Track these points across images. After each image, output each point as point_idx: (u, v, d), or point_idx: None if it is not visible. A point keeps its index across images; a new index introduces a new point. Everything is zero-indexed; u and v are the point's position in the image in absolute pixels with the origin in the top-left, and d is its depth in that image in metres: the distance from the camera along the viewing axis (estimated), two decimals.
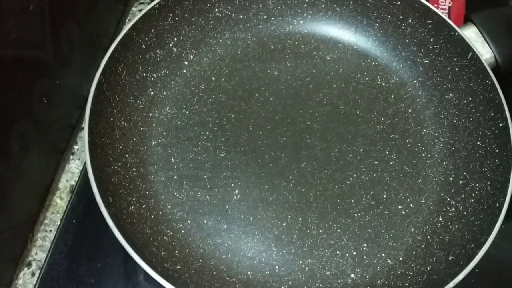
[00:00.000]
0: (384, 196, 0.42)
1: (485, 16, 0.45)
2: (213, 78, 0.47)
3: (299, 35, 0.50)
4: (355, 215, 0.41)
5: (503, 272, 0.42)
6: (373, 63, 0.49)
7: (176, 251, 0.38)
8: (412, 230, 0.41)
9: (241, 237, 0.40)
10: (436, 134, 0.45)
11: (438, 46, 0.46)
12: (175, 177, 0.42)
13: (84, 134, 0.37)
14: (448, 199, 0.42)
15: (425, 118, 0.46)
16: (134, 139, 0.43)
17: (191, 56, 0.48)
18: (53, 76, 0.40)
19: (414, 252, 0.40)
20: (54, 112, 0.42)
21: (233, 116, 0.45)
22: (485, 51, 0.44)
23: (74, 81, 0.44)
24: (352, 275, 0.39)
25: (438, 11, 0.45)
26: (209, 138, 0.44)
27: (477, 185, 0.40)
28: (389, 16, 0.48)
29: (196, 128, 0.44)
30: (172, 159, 0.43)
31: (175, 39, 0.47)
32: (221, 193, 0.42)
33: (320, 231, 0.40)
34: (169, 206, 0.41)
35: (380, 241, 0.40)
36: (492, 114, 0.41)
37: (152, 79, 0.45)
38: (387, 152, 0.44)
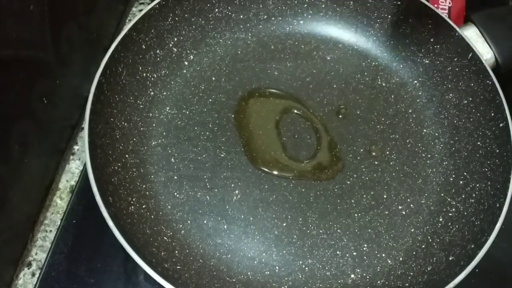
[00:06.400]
0: (384, 196, 0.42)
1: (485, 16, 0.45)
2: (213, 78, 0.47)
3: (299, 35, 0.50)
4: (355, 215, 0.41)
5: (503, 272, 0.42)
6: (373, 63, 0.49)
7: (176, 252, 0.38)
8: (412, 230, 0.41)
9: (241, 237, 0.40)
10: (437, 134, 0.45)
11: (438, 46, 0.46)
12: (175, 177, 0.42)
13: (84, 134, 0.37)
14: (449, 199, 0.42)
15: (425, 118, 0.46)
16: (134, 139, 0.43)
17: (191, 56, 0.48)
18: (53, 76, 0.40)
19: (414, 253, 0.40)
20: (54, 112, 0.42)
21: (233, 116, 0.45)
22: (485, 51, 0.44)
23: (74, 81, 0.44)
24: (352, 276, 0.39)
25: (438, 11, 0.45)
26: (209, 138, 0.44)
27: (478, 185, 0.40)
28: (389, 16, 0.48)
29: (196, 128, 0.44)
30: (172, 159, 0.43)
31: (175, 39, 0.46)
32: (221, 193, 0.42)
33: (320, 231, 0.40)
34: (169, 206, 0.41)
35: (380, 242, 0.40)
36: (493, 114, 0.41)
37: (152, 79, 0.45)
38: (387, 152, 0.44)
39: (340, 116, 0.46)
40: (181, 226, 0.40)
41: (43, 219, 0.43)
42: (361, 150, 0.44)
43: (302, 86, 0.47)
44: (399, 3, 0.47)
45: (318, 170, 0.43)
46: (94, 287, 0.39)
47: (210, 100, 0.46)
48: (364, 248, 0.40)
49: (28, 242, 0.41)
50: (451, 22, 0.45)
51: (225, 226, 0.40)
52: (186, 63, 0.47)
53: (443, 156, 0.44)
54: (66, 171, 0.45)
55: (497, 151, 0.40)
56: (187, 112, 0.45)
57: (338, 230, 0.41)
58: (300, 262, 0.39)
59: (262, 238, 0.40)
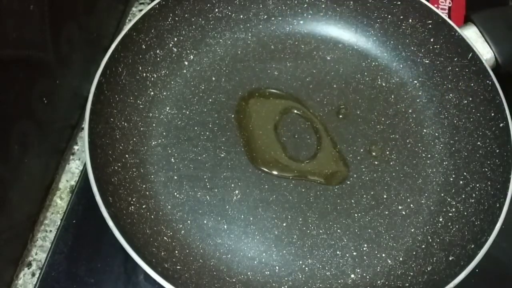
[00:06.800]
0: (384, 196, 0.42)
1: (485, 16, 0.45)
2: (213, 78, 0.47)
3: (299, 35, 0.50)
4: (355, 215, 0.41)
5: (503, 272, 0.42)
6: (373, 63, 0.49)
7: (176, 252, 0.38)
8: (412, 230, 0.41)
9: (241, 237, 0.40)
10: (437, 134, 0.45)
11: (438, 46, 0.46)
12: (175, 177, 0.42)
13: (84, 134, 0.37)
14: (449, 199, 0.42)
15: (426, 118, 0.46)
16: (134, 139, 0.43)
17: (191, 56, 0.48)
18: (53, 76, 0.40)
19: (414, 253, 0.40)
20: (54, 112, 0.42)
21: (233, 116, 0.45)
22: (485, 51, 0.44)
23: (74, 81, 0.44)
24: (352, 276, 0.39)
25: (438, 11, 0.45)
26: (209, 138, 0.44)
27: (478, 185, 0.40)
28: (389, 16, 0.48)
29: (196, 128, 0.44)
30: (172, 159, 0.43)
31: (175, 39, 0.46)
32: (221, 193, 0.42)
33: (320, 231, 0.40)
34: (169, 206, 0.41)
35: (380, 242, 0.40)
36: (493, 114, 0.41)
37: (152, 79, 0.45)
38: (387, 152, 0.44)
39: (340, 116, 0.46)
40: (181, 226, 0.40)
41: (43, 219, 0.43)
42: (361, 150, 0.44)
43: (302, 86, 0.47)
44: (399, 3, 0.47)
45: (325, 176, 0.43)
46: (94, 287, 0.39)
47: (210, 100, 0.46)
48: (364, 248, 0.40)
49: (28, 242, 0.41)
50: (451, 22, 0.45)
51: (225, 226, 0.40)
52: (186, 63, 0.47)
53: (443, 156, 0.44)
54: (66, 171, 0.45)
55: (497, 151, 0.40)
56: (187, 112, 0.45)
57: (338, 230, 0.41)
58: (300, 262, 0.39)
59: (262, 238, 0.40)
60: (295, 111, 0.46)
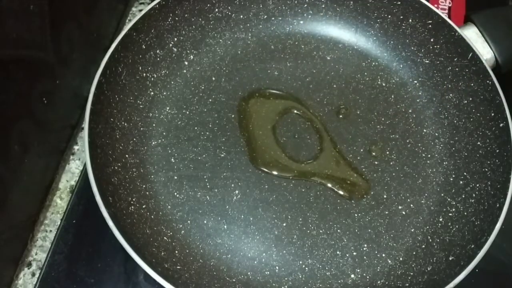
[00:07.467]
0: (384, 196, 0.42)
1: (485, 16, 0.45)
2: (213, 78, 0.47)
3: (299, 35, 0.50)
4: (355, 215, 0.41)
5: (503, 272, 0.42)
6: (373, 63, 0.49)
7: (176, 252, 0.38)
8: (412, 230, 0.41)
9: (241, 237, 0.40)
10: (437, 134, 0.45)
11: (438, 46, 0.46)
12: (175, 178, 0.42)
13: (84, 134, 0.37)
14: (449, 199, 0.42)
15: (426, 118, 0.46)
16: (134, 139, 0.43)
17: (191, 56, 0.48)
18: (53, 76, 0.40)
19: (414, 253, 0.40)
20: (54, 112, 0.42)
21: (233, 116, 0.45)
22: (485, 51, 0.44)
23: (74, 81, 0.44)
24: (352, 276, 0.39)
25: (438, 11, 0.45)
26: (209, 138, 0.44)
27: (478, 185, 0.40)
28: (389, 16, 0.48)
29: (196, 128, 0.44)
30: (172, 159, 0.43)
31: (175, 39, 0.46)
32: (221, 193, 0.42)
33: (320, 231, 0.40)
34: (169, 206, 0.41)
35: (380, 242, 0.40)
36: (493, 114, 0.41)
37: (152, 79, 0.45)
38: (387, 152, 0.44)
39: (340, 116, 0.46)
40: (181, 226, 0.40)
41: (43, 219, 0.43)
42: (361, 150, 0.44)
43: (302, 86, 0.47)
44: (399, 3, 0.47)
45: (346, 189, 0.42)
46: (94, 287, 0.39)
47: (210, 100, 0.46)
48: (364, 248, 0.40)
49: (28, 242, 0.41)
50: (451, 22, 0.45)
51: (225, 226, 0.40)
52: (186, 63, 0.47)
53: (443, 156, 0.44)
54: (66, 171, 0.45)
55: (497, 151, 0.40)
56: (187, 112, 0.45)
57: (338, 230, 0.41)
58: (300, 262, 0.39)
59: (262, 238, 0.40)
60: (295, 111, 0.46)
